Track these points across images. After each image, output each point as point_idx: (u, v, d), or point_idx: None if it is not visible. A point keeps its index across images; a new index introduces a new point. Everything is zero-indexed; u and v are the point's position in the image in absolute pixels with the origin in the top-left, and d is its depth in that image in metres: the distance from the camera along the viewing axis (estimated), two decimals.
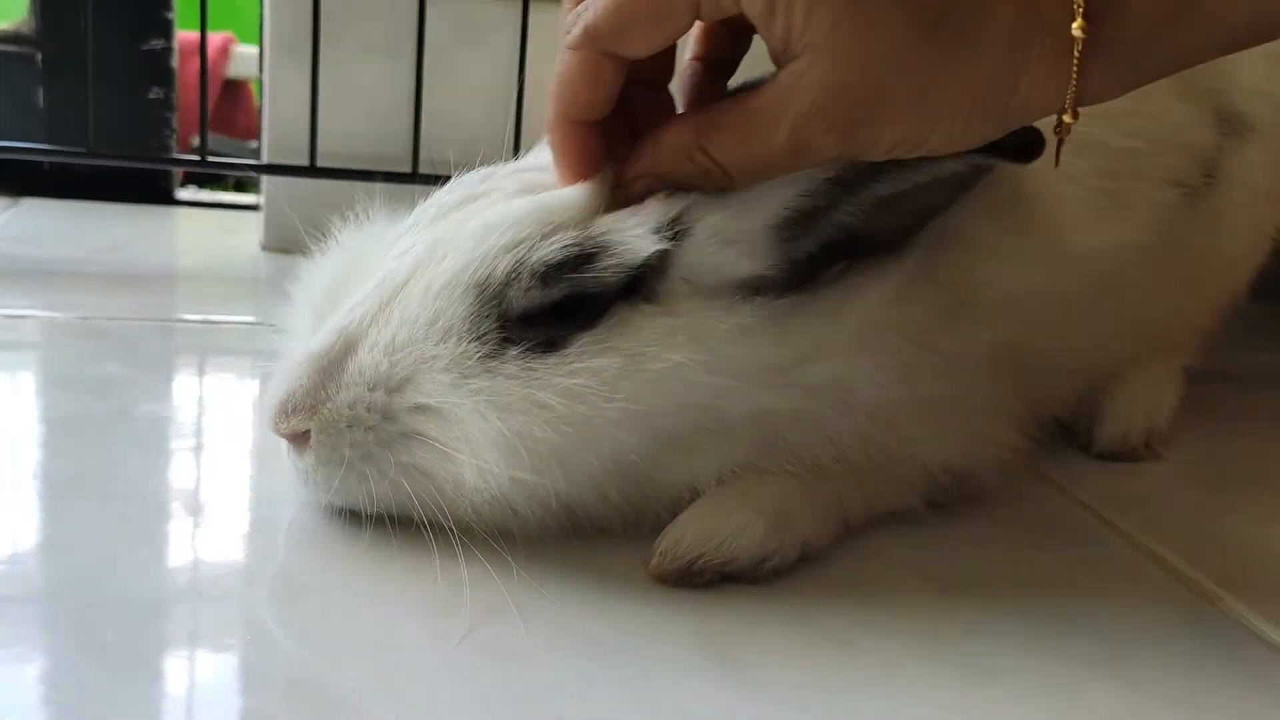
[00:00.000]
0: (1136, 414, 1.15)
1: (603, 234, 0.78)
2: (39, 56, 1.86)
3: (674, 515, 0.82)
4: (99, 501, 0.83)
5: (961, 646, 0.75)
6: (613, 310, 0.78)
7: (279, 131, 1.66)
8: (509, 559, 0.77)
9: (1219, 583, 0.87)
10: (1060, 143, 0.79)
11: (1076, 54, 0.72)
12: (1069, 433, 1.16)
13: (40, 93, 1.87)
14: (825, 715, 0.66)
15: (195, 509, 0.84)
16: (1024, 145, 0.79)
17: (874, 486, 0.88)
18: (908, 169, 0.78)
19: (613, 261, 0.77)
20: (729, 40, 0.85)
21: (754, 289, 0.80)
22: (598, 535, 0.82)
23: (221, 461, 0.95)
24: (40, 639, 0.66)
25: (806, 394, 0.82)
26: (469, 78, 1.65)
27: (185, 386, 1.15)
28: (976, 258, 0.88)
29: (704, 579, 0.78)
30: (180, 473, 0.91)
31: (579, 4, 0.78)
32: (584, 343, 0.77)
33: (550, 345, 0.78)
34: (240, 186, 2.38)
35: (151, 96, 1.90)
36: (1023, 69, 0.72)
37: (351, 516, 0.81)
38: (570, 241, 0.77)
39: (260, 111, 1.74)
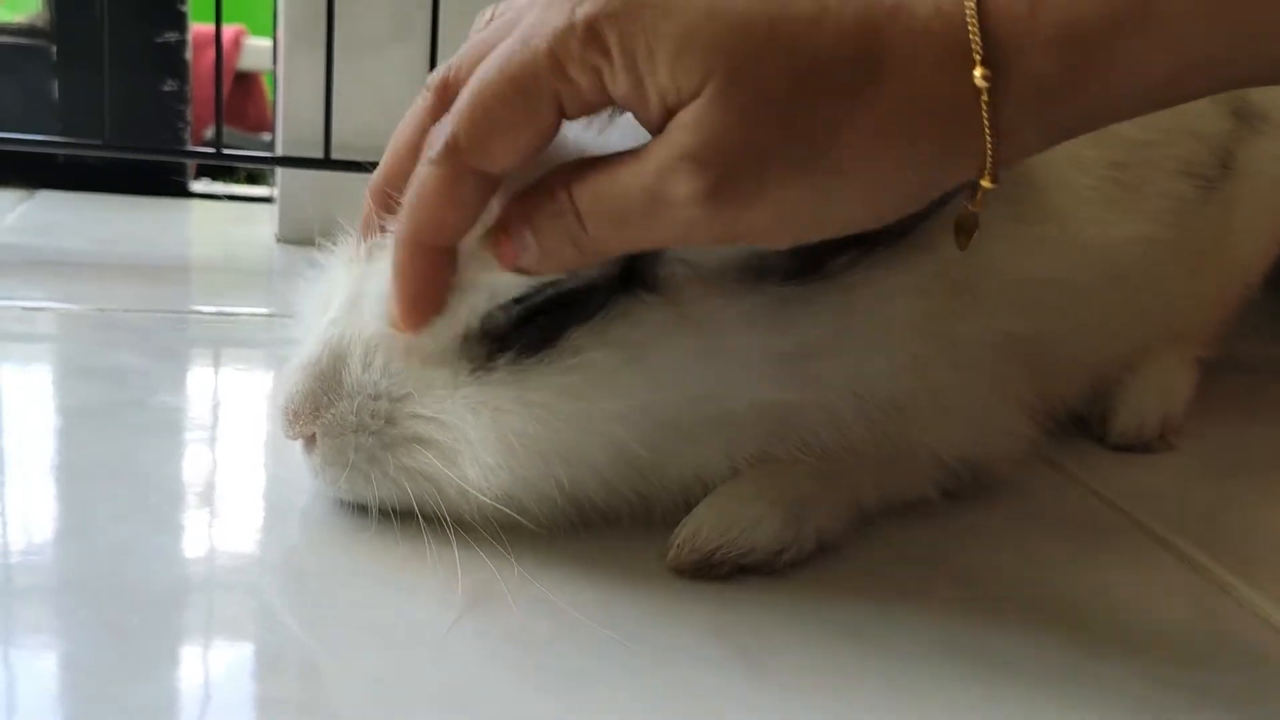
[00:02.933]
0: (1151, 404, 1.15)
1: None
2: (54, 49, 1.87)
3: (684, 505, 0.82)
4: (117, 490, 0.83)
5: (976, 636, 0.75)
6: (613, 301, 0.78)
7: (293, 124, 1.67)
8: (520, 552, 0.77)
9: (1234, 572, 0.87)
10: (972, 218, 0.72)
11: (985, 104, 0.63)
12: (1083, 423, 1.16)
13: (55, 85, 1.87)
14: (842, 706, 0.66)
15: (211, 498, 0.85)
16: None
17: (889, 477, 0.88)
18: None
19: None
20: None
21: (758, 274, 0.79)
22: (608, 527, 0.82)
23: (236, 451, 0.95)
24: (59, 627, 0.67)
25: (816, 385, 0.81)
26: None
27: (200, 377, 1.16)
28: (986, 245, 0.87)
29: (722, 571, 0.78)
30: (197, 462, 0.91)
31: (435, 118, 0.73)
32: (578, 336, 0.77)
33: (544, 343, 0.77)
34: (252, 179, 2.38)
35: (165, 89, 1.90)
36: (923, 121, 0.64)
37: (364, 507, 0.82)
38: (524, 285, 0.75)
39: (273, 104, 1.75)
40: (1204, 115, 1.04)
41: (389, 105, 1.69)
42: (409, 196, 0.73)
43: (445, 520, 0.78)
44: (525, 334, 0.77)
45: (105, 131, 1.52)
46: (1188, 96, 0.66)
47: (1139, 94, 0.65)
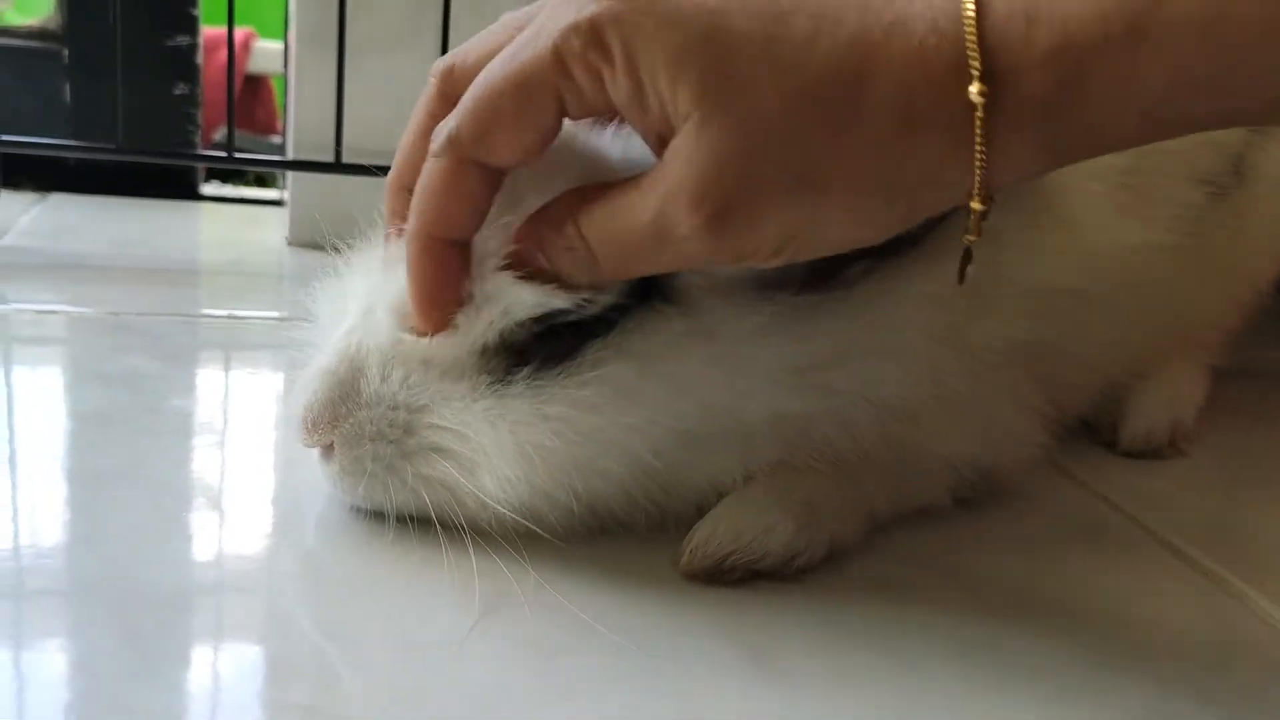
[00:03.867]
0: (1161, 411, 1.14)
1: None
2: (65, 52, 1.87)
3: (698, 512, 0.82)
4: (129, 494, 0.83)
5: (987, 641, 0.75)
6: (630, 314, 0.78)
7: (304, 127, 1.67)
8: (535, 558, 0.78)
9: (1244, 579, 0.87)
10: (966, 253, 0.72)
11: (979, 120, 0.63)
12: (1093, 430, 1.16)
13: (66, 89, 1.88)
14: (856, 709, 0.66)
15: (223, 501, 0.85)
16: None
17: (901, 483, 0.88)
18: None
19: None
20: None
21: (774, 285, 0.79)
22: (624, 535, 0.82)
23: (248, 454, 0.96)
24: (71, 630, 0.67)
25: (830, 395, 0.81)
26: None
27: (212, 381, 1.16)
28: (999, 253, 0.87)
29: (734, 576, 0.78)
30: (209, 465, 0.91)
31: (441, 105, 0.77)
32: (596, 349, 0.77)
33: (563, 357, 0.77)
34: (260, 180, 2.39)
35: (177, 92, 1.90)
36: (917, 138, 0.64)
37: (380, 514, 0.81)
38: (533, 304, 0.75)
39: (283, 107, 1.75)
40: None
41: (400, 108, 1.68)
42: (416, 191, 0.74)
43: (463, 528, 0.78)
44: (544, 348, 0.78)
45: (118, 135, 1.52)
46: (1189, 122, 0.65)
47: (1136, 115, 0.64)
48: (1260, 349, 1.36)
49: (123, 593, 0.70)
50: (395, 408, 0.79)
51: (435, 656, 0.68)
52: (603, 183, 0.72)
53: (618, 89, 0.67)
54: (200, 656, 0.66)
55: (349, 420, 0.79)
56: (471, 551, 0.77)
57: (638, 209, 0.68)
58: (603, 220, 0.71)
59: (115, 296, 1.33)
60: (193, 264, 1.65)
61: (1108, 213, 0.93)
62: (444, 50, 1.56)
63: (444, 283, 0.76)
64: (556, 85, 0.68)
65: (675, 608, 0.76)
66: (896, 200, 0.67)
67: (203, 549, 0.78)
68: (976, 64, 0.62)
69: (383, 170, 1.50)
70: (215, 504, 0.84)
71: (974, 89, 0.62)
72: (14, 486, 0.83)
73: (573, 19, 0.66)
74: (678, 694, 0.66)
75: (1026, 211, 0.88)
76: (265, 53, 3.30)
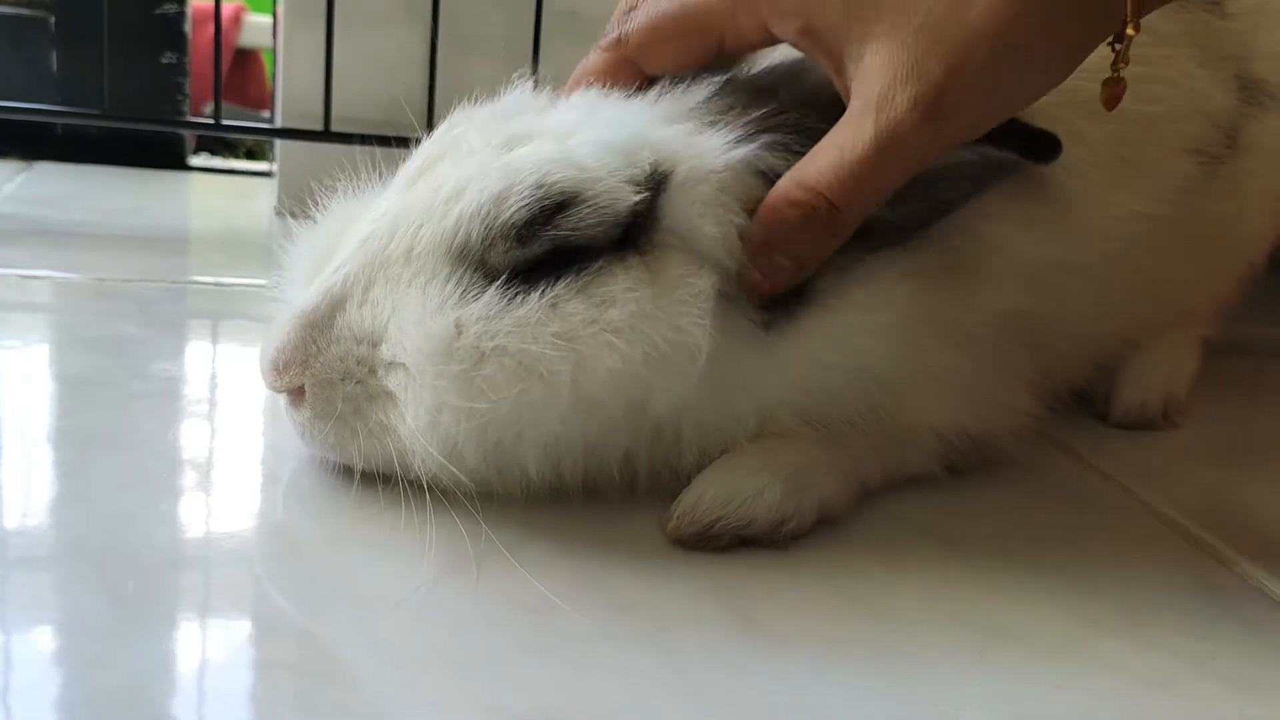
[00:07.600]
0: (1155, 383, 1.14)
1: (569, 182, 0.76)
2: (53, 20, 1.86)
3: (680, 480, 0.82)
4: (115, 458, 0.83)
5: (979, 607, 0.75)
6: (599, 260, 0.77)
7: (292, 97, 1.66)
8: (514, 521, 0.78)
9: (1235, 548, 0.87)
10: (1119, 81, 0.79)
11: None
12: (1086, 402, 1.15)
13: (54, 57, 1.86)
14: (845, 674, 0.66)
15: (209, 466, 0.84)
16: (1044, 146, 0.81)
17: (892, 451, 0.88)
18: None
19: (591, 212, 0.76)
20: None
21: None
22: (608, 499, 0.82)
23: (233, 419, 0.95)
24: (58, 591, 0.66)
25: (802, 359, 0.82)
26: (483, 40, 1.64)
27: (199, 347, 1.15)
28: (988, 223, 0.87)
29: (722, 542, 0.78)
30: (195, 431, 0.91)
31: (627, 11, 0.87)
32: (557, 289, 0.76)
33: (526, 293, 0.76)
34: (251, 155, 2.37)
35: (164, 61, 1.89)
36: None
37: (356, 473, 0.81)
38: (530, 198, 0.75)
39: (273, 80, 1.74)
40: (1212, 92, 1.03)
41: (390, 77, 1.68)
42: (575, 74, 0.89)
43: (433, 487, 0.78)
44: (520, 285, 0.76)
45: (105, 102, 1.51)
46: None
47: None
48: (1253, 324, 1.36)
49: (109, 555, 0.70)
50: (360, 341, 0.78)
51: (416, 616, 0.67)
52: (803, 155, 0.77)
53: (786, 28, 0.78)
54: (187, 617, 0.66)
55: (319, 359, 0.79)
56: (453, 514, 0.76)
57: (855, 135, 0.75)
58: (827, 167, 0.76)
59: (102, 263, 1.33)
60: (181, 233, 1.64)
61: (1099, 184, 0.93)
62: (434, 20, 1.55)
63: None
64: (723, 27, 0.82)
65: (660, 570, 0.75)
66: (1073, 56, 0.76)
67: (189, 513, 0.78)
68: None
69: (370, 139, 1.49)
70: (201, 469, 0.84)
71: None
72: None
73: None
74: (661, 653, 0.66)
75: (1018, 184, 0.88)
76: (256, 27, 3.28)
